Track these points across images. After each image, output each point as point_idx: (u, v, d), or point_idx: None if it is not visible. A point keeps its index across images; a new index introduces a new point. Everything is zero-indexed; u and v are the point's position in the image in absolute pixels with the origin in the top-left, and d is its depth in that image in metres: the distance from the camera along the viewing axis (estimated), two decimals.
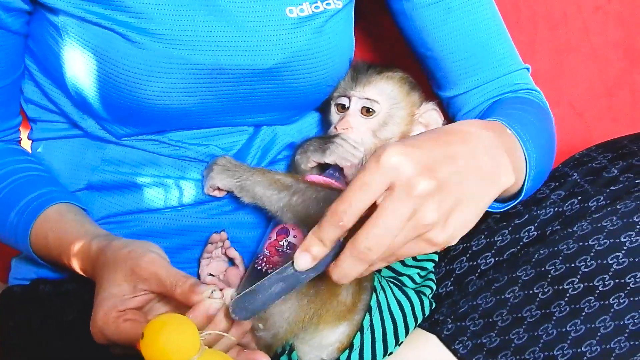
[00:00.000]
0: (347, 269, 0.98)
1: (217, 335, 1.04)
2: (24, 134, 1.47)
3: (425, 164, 0.96)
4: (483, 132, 1.06)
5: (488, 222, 1.34)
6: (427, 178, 0.95)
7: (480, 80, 1.42)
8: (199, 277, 1.36)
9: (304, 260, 0.99)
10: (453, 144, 1.01)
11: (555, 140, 1.39)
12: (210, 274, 1.35)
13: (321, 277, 1.03)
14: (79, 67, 1.28)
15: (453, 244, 1.01)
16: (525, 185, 1.18)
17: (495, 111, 1.36)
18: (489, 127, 1.09)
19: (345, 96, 1.40)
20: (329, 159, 1.33)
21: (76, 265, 1.24)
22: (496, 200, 1.23)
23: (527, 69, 1.46)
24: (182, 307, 1.06)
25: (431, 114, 1.42)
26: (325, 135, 1.39)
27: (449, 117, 1.47)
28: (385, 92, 1.39)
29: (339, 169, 1.33)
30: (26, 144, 1.47)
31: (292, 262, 1.00)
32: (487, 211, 1.16)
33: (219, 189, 1.35)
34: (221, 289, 1.07)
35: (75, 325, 1.30)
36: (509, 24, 1.45)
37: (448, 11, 1.38)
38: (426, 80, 1.49)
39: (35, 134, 1.45)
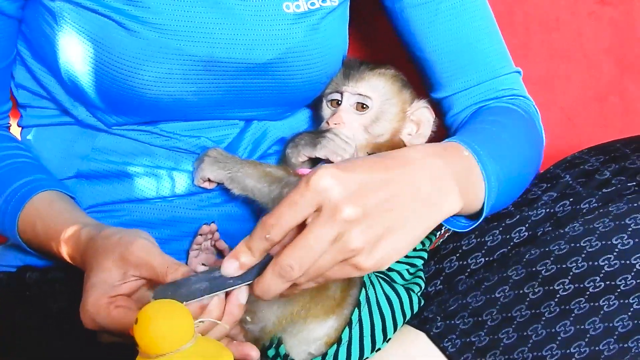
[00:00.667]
0: (268, 284, 0.99)
1: (209, 324, 1.03)
2: (12, 122, 1.46)
3: (354, 190, 0.97)
4: (428, 159, 1.06)
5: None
6: (353, 205, 0.96)
7: (467, 84, 1.42)
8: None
9: (231, 266, 1.01)
10: (390, 171, 1.02)
11: (538, 151, 1.39)
12: (203, 264, 1.35)
13: None
14: (73, 53, 1.27)
15: (383, 269, 1.02)
16: (485, 204, 1.17)
17: (465, 125, 1.37)
18: (438, 153, 1.10)
19: (337, 92, 1.40)
20: (320, 153, 1.32)
21: (65, 254, 1.23)
22: (466, 217, 1.22)
23: (518, 72, 1.46)
24: None
25: (422, 111, 1.42)
26: (317, 130, 1.39)
27: (439, 118, 1.47)
28: (378, 88, 1.39)
29: (329, 163, 1.32)
30: (15, 132, 1.46)
31: None
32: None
33: (209, 180, 1.35)
34: None
35: (61, 313, 1.29)
36: (502, 28, 1.45)
37: (436, 12, 1.39)
38: (418, 79, 1.49)
39: (25, 121, 1.44)
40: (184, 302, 1.00)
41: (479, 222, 1.19)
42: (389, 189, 1.00)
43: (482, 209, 1.17)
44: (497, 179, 1.17)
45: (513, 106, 1.39)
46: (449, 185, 1.06)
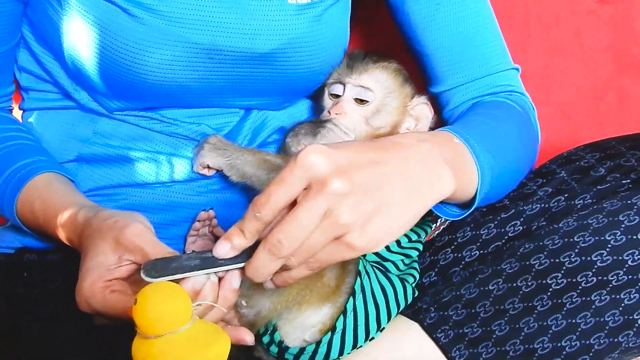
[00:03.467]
0: (259, 262, 0.99)
1: (205, 307, 1.04)
2: (14, 104, 1.46)
3: (342, 165, 0.97)
4: (418, 143, 1.07)
5: (474, 215, 1.34)
6: (341, 178, 0.96)
7: (465, 79, 1.43)
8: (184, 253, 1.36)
9: (223, 248, 1.01)
10: (380, 151, 1.02)
11: (532, 146, 1.40)
12: (193, 251, 1.35)
13: None
14: (77, 38, 1.28)
15: (377, 250, 1.01)
16: (478, 191, 1.17)
17: (459, 118, 1.39)
18: (428, 139, 1.10)
19: (340, 83, 1.41)
20: (320, 142, 1.33)
21: (62, 235, 1.24)
22: (458, 207, 1.23)
23: (517, 69, 1.47)
24: None
25: (422, 107, 1.43)
26: (317, 120, 1.40)
27: (437, 112, 1.48)
28: (380, 81, 1.40)
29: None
30: (17, 115, 1.47)
31: None
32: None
33: (208, 167, 1.36)
34: None
35: (58, 294, 1.30)
36: (501, 24, 1.46)
37: (437, 7, 1.39)
38: (418, 75, 1.50)
39: (27, 104, 1.45)
40: (173, 276, 1.00)
41: (471, 210, 1.20)
42: (379, 168, 1.00)
43: (474, 197, 1.18)
44: (490, 167, 1.18)
45: (509, 101, 1.40)
46: (440, 167, 1.06)
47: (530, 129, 1.41)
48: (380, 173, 1.00)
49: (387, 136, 1.32)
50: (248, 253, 1.01)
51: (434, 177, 1.05)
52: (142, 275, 1.00)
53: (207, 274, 1.03)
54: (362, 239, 0.98)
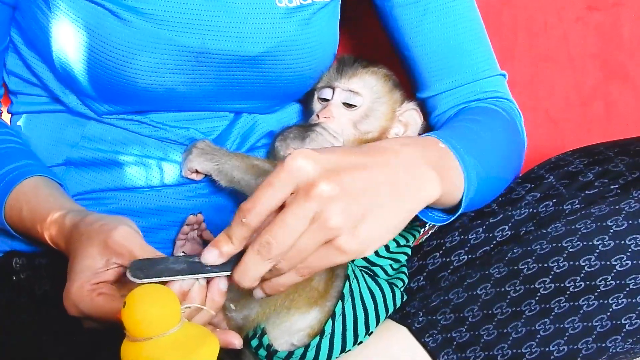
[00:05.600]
0: (248, 264, 0.98)
1: (194, 310, 1.04)
2: (3, 108, 1.46)
3: (329, 168, 0.97)
4: (403, 148, 1.07)
5: (462, 220, 1.34)
6: (329, 181, 0.96)
7: (451, 84, 1.44)
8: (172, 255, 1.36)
9: (211, 254, 1.01)
10: (367, 155, 1.02)
11: (518, 152, 1.41)
12: (183, 252, 1.35)
13: None
14: (67, 41, 1.28)
15: (366, 255, 1.01)
16: (464, 196, 1.17)
17: (445, 124, 1.39)
18: (411, 143, 1.10)
19: (329, 87, 1.42)
20: (308, 146, 1.33)
21: (49, 239, 1.23)
22: (444, 212, 1.23)
23: (503, 75, 1.48)
24: None
25: (411, 113, 1.44)
26: (305, 124, 1.40)
27: (424, 118, 1.48)
28: (369, 85, 1.40)
29: None
30: (6, 118, 1.46)
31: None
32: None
33: (197, 171, 1.36)
34: None
35: (46, 298, 1.29)
36: (489, 30, 1.46)
37: (424, 12, 1.40)
38: (406, 81, 1.50)
39: (16, 108, 1.44)
40: (159, 278, 1.00)
41: (456, 215, 1.20)
42: (366, 172, 0.99)
43: (459, 202, 1.18)
44: (476, 172, 1.18)
45: (495, 107, 1.41)
46: (425, 172, 1.06)
47: (516, 135, 1.41)
48: (367, 178, 0.99)
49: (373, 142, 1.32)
50: (236, 261, 1.00)
51: (419, 183, 1.05)
52: (128, 275, 1.00)
53: (193, 279, 1.03)
54: (352, 243, 0.98)
